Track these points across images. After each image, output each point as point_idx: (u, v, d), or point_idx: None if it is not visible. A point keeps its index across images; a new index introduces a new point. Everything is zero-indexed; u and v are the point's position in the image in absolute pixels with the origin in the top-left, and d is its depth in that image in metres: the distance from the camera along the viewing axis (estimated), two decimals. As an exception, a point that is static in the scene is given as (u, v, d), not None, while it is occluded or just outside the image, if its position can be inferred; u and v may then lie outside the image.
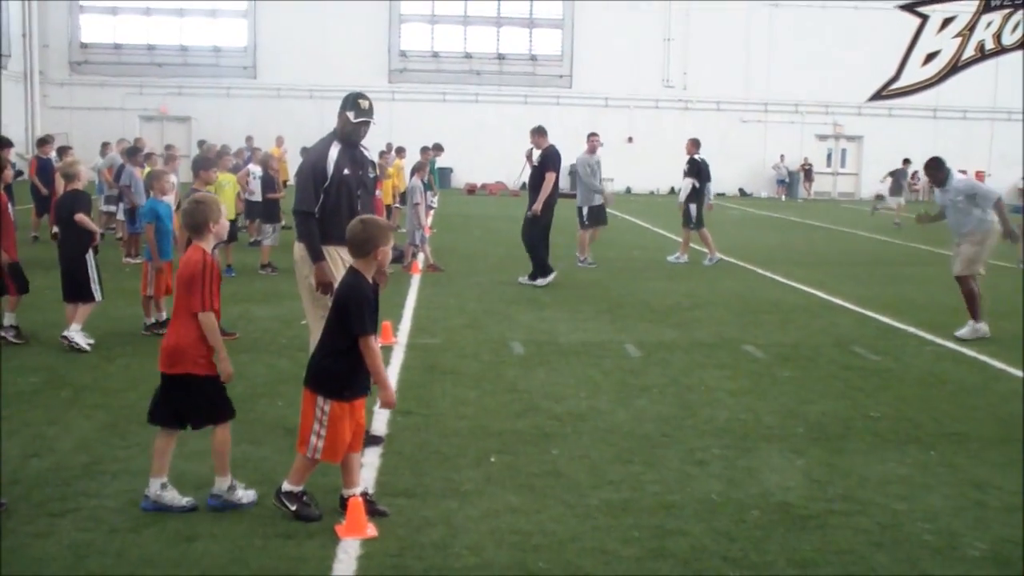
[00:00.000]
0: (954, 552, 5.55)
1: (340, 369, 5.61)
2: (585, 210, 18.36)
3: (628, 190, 47.71)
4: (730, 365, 10.16)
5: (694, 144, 19.88)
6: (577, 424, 7.83)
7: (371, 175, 7.67)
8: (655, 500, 6.20)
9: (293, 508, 5.71)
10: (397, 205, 23.12)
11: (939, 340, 11.88)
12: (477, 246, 21.30)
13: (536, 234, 15.44)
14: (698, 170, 19.45)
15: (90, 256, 10.39)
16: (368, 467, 6.59)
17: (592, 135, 19.20)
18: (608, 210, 18.29)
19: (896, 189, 33.70)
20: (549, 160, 15.31)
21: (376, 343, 5.69)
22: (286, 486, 5.75)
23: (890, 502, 6.28)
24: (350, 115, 7.35)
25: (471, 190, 45.23)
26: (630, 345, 11.01)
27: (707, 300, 14.54)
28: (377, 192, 16.89)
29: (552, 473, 6.65)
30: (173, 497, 5.78)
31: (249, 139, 27.41)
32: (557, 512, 5.94)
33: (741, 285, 16.30)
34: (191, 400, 5.78)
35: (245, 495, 5.88)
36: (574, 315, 12.91)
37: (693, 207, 19.35)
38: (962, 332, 11.97)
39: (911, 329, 12.58)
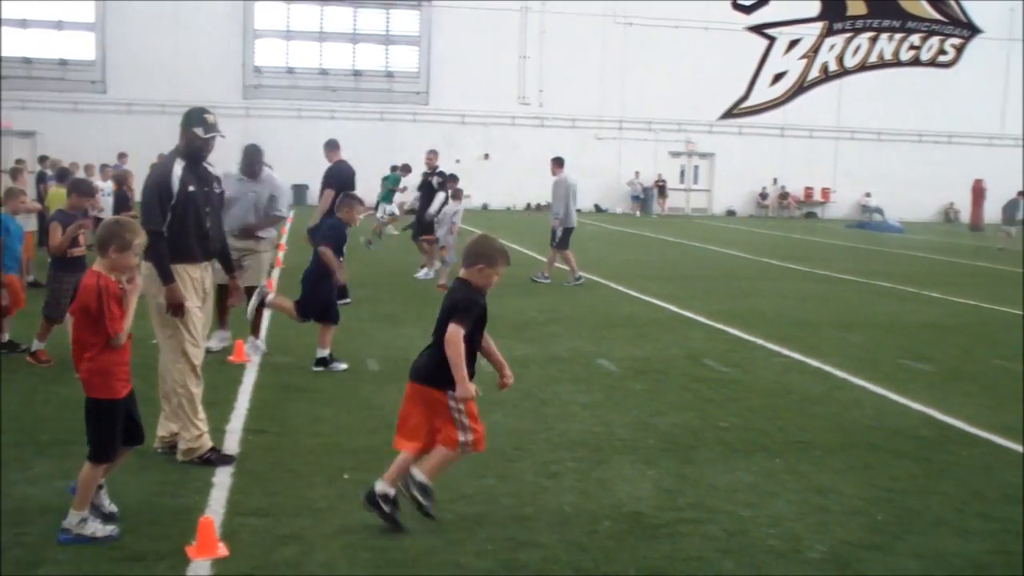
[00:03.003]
0: (797, 555, 5.74)
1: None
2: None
3: (485, 206, 47.94)
4: (584, 379, 10.31)
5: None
6: (432, 439, 7.85)
7: (217, 191, 7.57)
8: (508, 513, 6.27)
9: (388, 510, 5.86)
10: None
11: (786, 352, 12.25)
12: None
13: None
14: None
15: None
16: (219, 487, 6.51)
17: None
18: (460, 225, 18.22)
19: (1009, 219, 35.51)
20: (331, 177, 15.20)
21: (462, 345, 5.82)
22: (381, 486, 5.89)
23: (737, 509, 6.46)
24: (198, 131, 7.24)
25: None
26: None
27: (562, 315, 14.72)
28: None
29: (406, 489, 6.65)
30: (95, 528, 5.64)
31: (122, 156, 26.83)
32: (411, 527, 5.94)
33: (596, 300, 16.54)
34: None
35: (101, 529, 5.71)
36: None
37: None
38: None
39: (760, 341, 12.93)
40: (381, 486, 5.92)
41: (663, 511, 6.38)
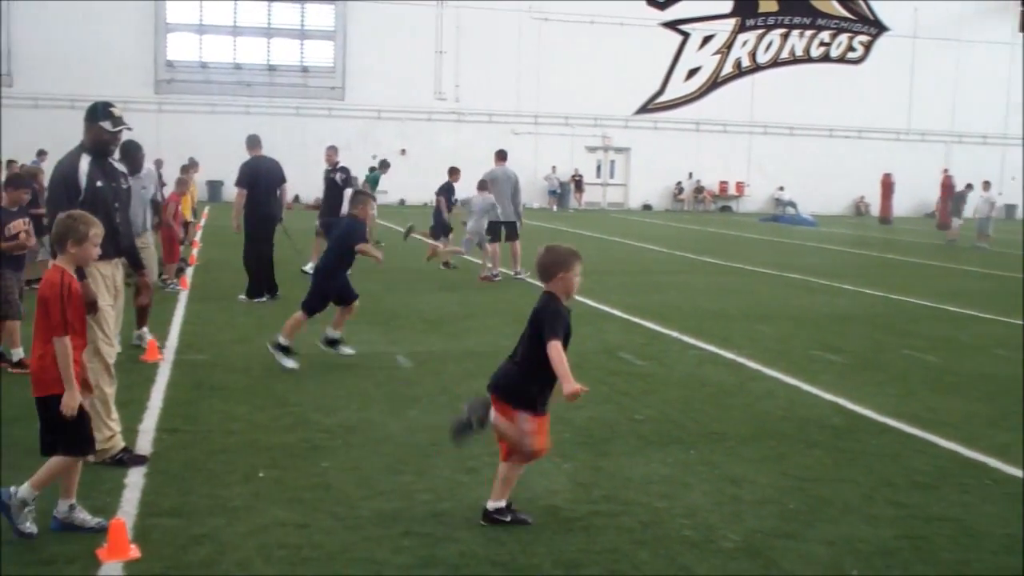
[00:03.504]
0: (710, 545, 5.81)
1: (532, 385, 6.00)
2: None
3: (402, 202, 47.81)
4: (501, 373, 10.32)
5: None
6: (348, 436, 7.82)
7: (124, 186, 7.47)
8: (426, 508, 6.26)
9: (508, 519, 6.01)
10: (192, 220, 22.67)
11: (701, 344, 12.39)
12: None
13: (249, 251, 15.34)
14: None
15: None
16: (132, 487, 6.42)
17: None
18: (378, 220, 18.25)
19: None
20: (241, 174, 15.26)
21: (563, 354, 5.85)
22: (493, 503, 6.05)
23: (652, 500, 6.53)
24: (106, 125, 7.15)
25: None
26: (402, 356, 11.06)
27: (480, 310, 14.74)
28: (178, 206, 16.58)
29: (322, 486, 6.62)
30: (84, 518, 5.65)
31: (42, 154, 26.27)
32: (327, 524, 5.93)
33: (513, 294, 16.58)
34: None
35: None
36: (347, 327, 12.84)
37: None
38: None
39: (675, 334, 13.06)
40: (492, 504, 6.07)
41: (578, 504, 6.42)
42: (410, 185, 47.75)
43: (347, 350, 10.98)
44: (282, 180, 15.55)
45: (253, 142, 15.62)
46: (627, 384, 10.03)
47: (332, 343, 10.99)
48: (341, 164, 18.95)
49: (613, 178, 53.28)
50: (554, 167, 50.57)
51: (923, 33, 54.07)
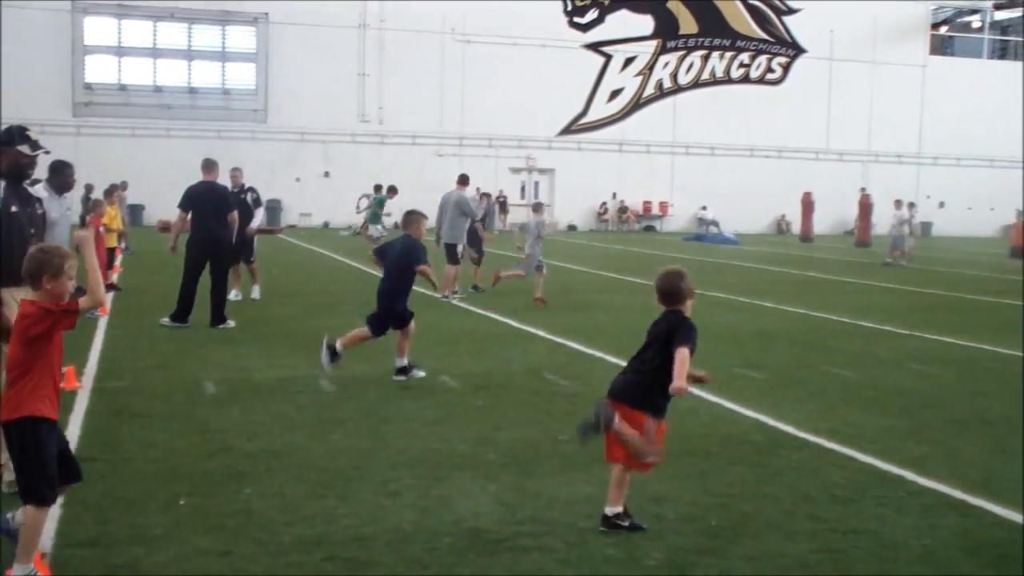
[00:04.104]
0: (634, 564, 5.85)
1: (660, 395, 6.37)
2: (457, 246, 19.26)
3: (326, 224, 47.58)
4: (424, 396, 10.31)
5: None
6: (271, 462, 7.75)
7: (39, 212, 7.37)
8: (348, 533, 6.22)
9: (627, 524, 6.35)
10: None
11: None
12: (170, 284, 20.50)
13: (184, 273, 15.18)
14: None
15: None
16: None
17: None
18: (282, 237, 18.22)
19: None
20: (184, 197, 15.16)
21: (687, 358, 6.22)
22: (611, 509, 6.38)
23: (576, 520, 6.54)
24: (24, 149, 7.06)
25: (164, 227, 43.57)
26: (325, 380, 10.98)
27: (404, 332, 14.68)
28: (100, 229, 16.33)
29: (244, 512, 6.55)
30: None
31: None
32: (249, 551, 5.86)
33: (437, 316, 16.54)
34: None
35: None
36: (269, 352, 12.78)
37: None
38: None
39: (599, 354, 13.13)
40: (610, 509, 6.38)
41: (503, 525, 6.42)
42: (334, 208, 47.60)
43: (419, 372, 11.06)
44: (228, 208, 15.31)
45: (205, 165, 15.47)
46: (551, 404, 10.06)
47: (403, 371, 11.00)
48: (248, 185, 18.68)
49: (537, 199, 53.42)
50: (478, 188, 50.51)
51: (839, 55, 55.12)
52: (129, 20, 46.90)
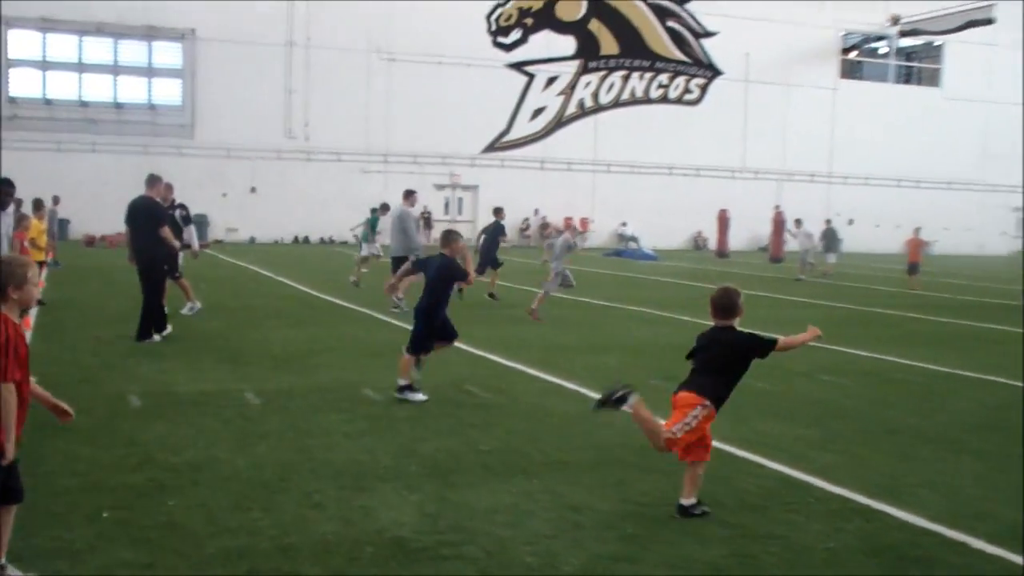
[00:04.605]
0: (552, 571, 5.89)
1: (725, 390, 7.11)
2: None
3: (252, 239, 47.18)
4: (348, 408, 10.28)
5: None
6: (195, 474, 7.68)
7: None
8: (272, 544, 6.18)
9: (700, 512, 6.93)
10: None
11: (545, 376, 12.53)
12: (95, 299, 20.35)
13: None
14: None
15: None
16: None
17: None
18: (201, 250, 18.01)
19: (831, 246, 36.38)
20: (126, 210, 15.07)
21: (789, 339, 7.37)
22: (686, 500, 6.96)
23: (496, 529, 6.57)
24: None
25: (90, 242, 43.04)
26: (250, 393, 10.91)
27: (327, 346, 14.63)
28: (25, 243, 16.06)
29: (168, 525, 6.49)
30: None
31: None
32: (172, 563, 5.81)
33: (361, 330, 16.52)
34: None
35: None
36: (194, 365, 12.65)
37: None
38: None
39: (521, 367, 13.18)
40: (685, 501, 6.98)
41: (425, 535, 6.43)
42: (261, 223, 47.27)
43: (419, 397, 10.98)
44: (158, 223, 15.05)
45: (147, 180, 15.33)
46: (473, 416, 10.09)
47: (402, 390, 10.98)
48: (179, 201, 18.44)
49: (461, 215, 53.45)
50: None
51: (754, 77, 56.02)
52: (54, 34, 46.07)
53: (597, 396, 11.11)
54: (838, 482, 7.85)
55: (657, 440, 6.93)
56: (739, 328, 7.26)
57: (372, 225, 27.61)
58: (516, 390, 11.62)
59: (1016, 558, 6.34)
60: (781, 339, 7.23)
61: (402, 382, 10.89)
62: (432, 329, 11.25)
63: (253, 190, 47.65)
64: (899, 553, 6.39)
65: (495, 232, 23.47)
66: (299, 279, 25.90)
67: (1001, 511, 7.34)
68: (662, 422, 7.04)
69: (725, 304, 7.27)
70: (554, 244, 20.34)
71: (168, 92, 47.73)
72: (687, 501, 6.95)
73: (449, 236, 11.64)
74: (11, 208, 11.59)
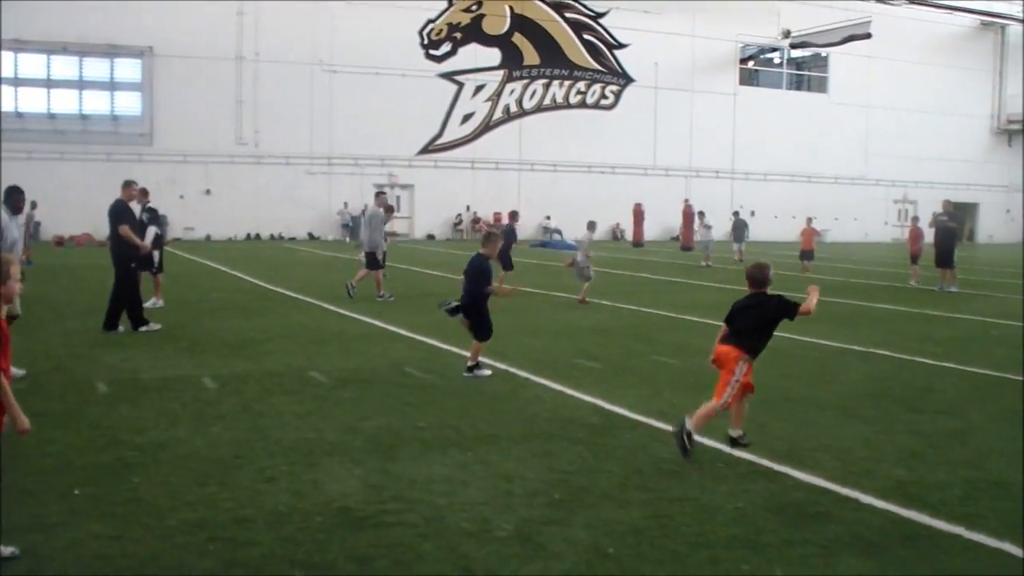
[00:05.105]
0: (487, 534, 5.89)
1: (761, 342, 7.82)
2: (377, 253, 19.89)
3: (208, 237, 46.56)
4: (297, 390, 10.19)
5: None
6: (157, 453, 7.57)
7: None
8: (229, 516, 6.12)
9: (746, 443, 7.83)
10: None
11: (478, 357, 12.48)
12: (65, 294, 19.91)
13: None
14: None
15: None
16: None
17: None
18: (167, 248, 17.48)
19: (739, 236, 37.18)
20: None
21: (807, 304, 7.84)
22: (734, 432, 7.89)
23: (434, 498, 6.56)
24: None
25: (59, 242, 42.30)
26: (207, 378, 10.77)
27: (278, 333, 14.47)
28: None
29: (134, 500, 6.40)
30: None
31: None
32: (138, 535, 5.74)
33: (308, 318, 16.38)
34: None
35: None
36: (156, 354, 12.46)
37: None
38: None
39: (455, 350, 13.10)
40: (733, 431, 7.87)
41: (369, 504, 6.40)
42: (215, 222, 46.76)
43: (484, 372, 11.35)
44: (119, 221, 14.73)
45: (122, 184, 15.09)
46: (411, 395, 10.04)
47: (471, 368, 11.32)
48: (149, 204, 17.90)
49: (399, 212, 53.22)
50: (345, 203, 50.12)
51: (663, 84, 56.38)
52: (25, 53, 45.14)
53: (525, 375, 11.28)
54: (745, 449, 7.94)
55: (715, 414, 7.65)
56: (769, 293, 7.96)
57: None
58: (450, 371, 11.57)
59: (901, 511, 6.47)
60: (801, 305, 7.75)
61: (470, 363, 11.29)
62: (488, 316, 11.39)
63: (208, 192, 46.99)
64: (799, 510, 6.48)
65: (507, 236, 23.03)
66: (252, 273, 25.60)
67: (887, 469, 7.48)
68: (710, 403, 7.65)
69: (759, 276, 7.96)
70: (581, 242, 21.28)
71: (129, 104, 46.86)
72: (735, 432, 7.82)
73: (488, 237, 11.63)
74: (24, 213, 11.32)
